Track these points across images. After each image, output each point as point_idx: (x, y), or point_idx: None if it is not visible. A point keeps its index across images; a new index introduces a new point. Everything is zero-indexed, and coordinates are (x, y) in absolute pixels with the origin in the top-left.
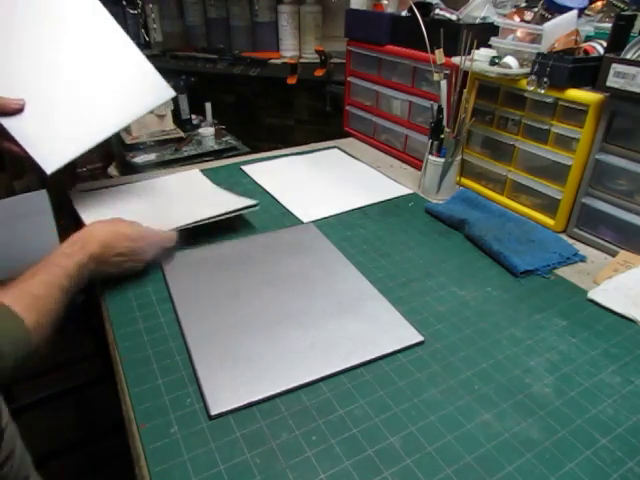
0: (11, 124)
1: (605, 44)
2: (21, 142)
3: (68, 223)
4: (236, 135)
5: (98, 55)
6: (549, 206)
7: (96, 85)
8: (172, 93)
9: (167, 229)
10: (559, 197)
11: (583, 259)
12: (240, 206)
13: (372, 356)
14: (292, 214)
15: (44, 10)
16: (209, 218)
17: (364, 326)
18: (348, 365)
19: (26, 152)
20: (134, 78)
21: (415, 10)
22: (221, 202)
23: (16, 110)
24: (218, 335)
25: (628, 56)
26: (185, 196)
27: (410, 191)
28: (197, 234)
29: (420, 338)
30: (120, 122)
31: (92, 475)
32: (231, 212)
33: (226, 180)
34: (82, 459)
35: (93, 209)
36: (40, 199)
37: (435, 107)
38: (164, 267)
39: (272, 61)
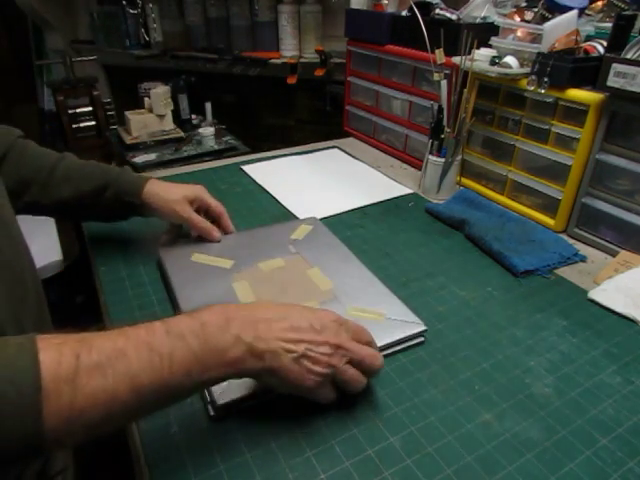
0: None
1: (605, 44)
2: None
3: (68, 223)
4: (236, 135)
5: None
6: (549, 206)
7: None
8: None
9: None
10: (559, 197)
11: (583, 259)
12: (409, 333)
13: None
14: (292, 214)
15: None
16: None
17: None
18: None
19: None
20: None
21: (415, 10)
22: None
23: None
24: None
25: (628, 56)
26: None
27: (410, 191)
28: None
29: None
30: None
31: (92, 475)
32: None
33: (226, 180)
34: (82, 459)
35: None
36: None
37: (435, 107)
38: (165, 264)
39: (272, 61)
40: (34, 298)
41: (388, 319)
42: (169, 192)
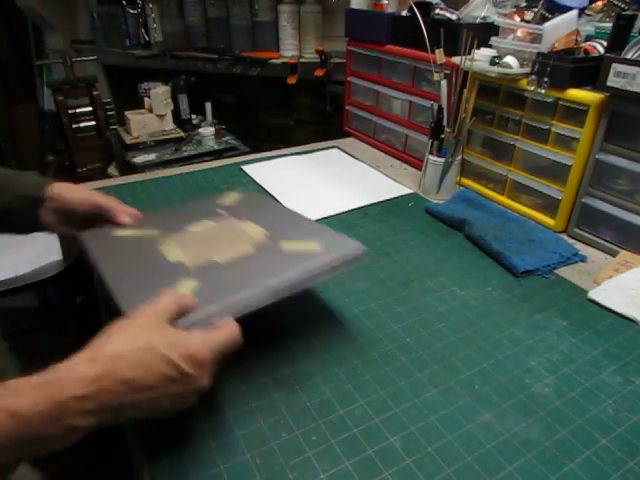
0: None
1: (605, 44)
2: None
3: None
4: (236, 135)
5: None
6: (549, 206)
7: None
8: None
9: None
10: (559, 197)
11: (583, 259)
12: (348, 253)
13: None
14: None
15: None
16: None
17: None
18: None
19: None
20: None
21: (415, 10)
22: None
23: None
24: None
25: (628, 56)
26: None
27: (410, 191)
28: None
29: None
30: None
31: (91, 475)
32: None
33: (226, 180)
34: (81, 459)
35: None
36: None
37: (435, 107)
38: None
39: (272, 61)
40: None
41: (325, 246)
42: (78, 187)
